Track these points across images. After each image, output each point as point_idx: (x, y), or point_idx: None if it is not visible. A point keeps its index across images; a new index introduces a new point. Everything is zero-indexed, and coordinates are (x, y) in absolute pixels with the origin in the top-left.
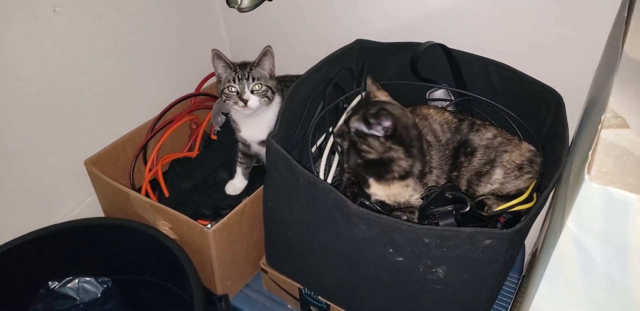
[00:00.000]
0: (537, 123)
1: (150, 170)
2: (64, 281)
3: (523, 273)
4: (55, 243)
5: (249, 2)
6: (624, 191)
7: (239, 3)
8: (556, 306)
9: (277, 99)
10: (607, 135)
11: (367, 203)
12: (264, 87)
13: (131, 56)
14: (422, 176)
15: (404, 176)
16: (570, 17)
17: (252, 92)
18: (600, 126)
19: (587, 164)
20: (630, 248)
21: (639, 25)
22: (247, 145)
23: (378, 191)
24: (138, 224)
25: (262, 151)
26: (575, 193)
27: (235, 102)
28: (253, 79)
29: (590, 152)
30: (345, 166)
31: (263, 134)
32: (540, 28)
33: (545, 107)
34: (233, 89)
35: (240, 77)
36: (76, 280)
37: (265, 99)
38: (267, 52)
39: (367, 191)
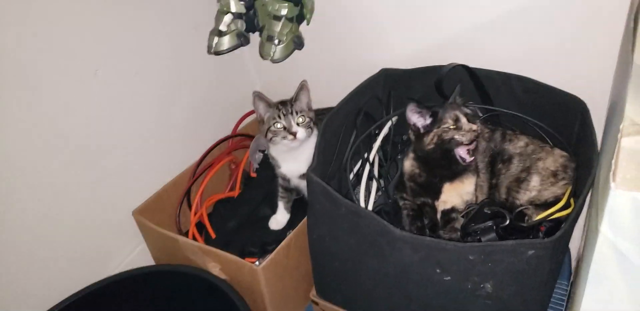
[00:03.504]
0: (565, 131)
1: (195, 213)
2: None
3: (572, 279)
4: (110, 294)
5: (280, 54)
6: None
7: (272, 55)
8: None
9: (315, 132)
10: (627, 143)
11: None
12: (307, 119)
13: (167, 106)
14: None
15: (474, 170)
16: (585, 26)
17: (297, 124)
18: (620, 134)
19: (611, 172)
20: None
21: None
22: (286, 180)
23: (450, 193)
24: (189, 267)
25: (301, 183)
26: (605, 200)
27: (284, 137)
28: (296, 113)
29: (613, 161)
30: (403, 196)
31: (303, 168)
32: (557, 39)
33: (572, 114)
34: (279, 125)
35: (284, 113)
36: None
37: (309, 129)
38: (303, 86)
39: (436, 203)
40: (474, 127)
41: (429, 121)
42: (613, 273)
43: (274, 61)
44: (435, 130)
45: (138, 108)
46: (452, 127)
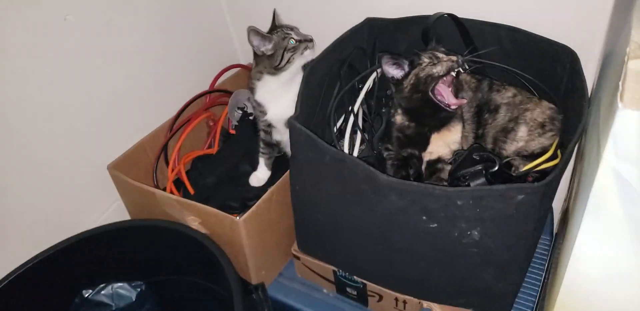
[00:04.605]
0: (553, 82)
1: (172, 170)
2: (97, 289)
3: (555, 232)
4: (85, 250)
5: None
6: None
7: None
8: (600, 243)
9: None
10: (634, 65)
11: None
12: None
13: (143, 59)
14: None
15: (460, 117)
16: None
17: None
18: (626, 57)
19: (618, 94)
20: None
21: None
22: (269, 133)
23: (437, 143)
24: (167, 222)
25: (285, 136)
26: (609, 124)
27: (305, 48)
28: (296, 28)
29: (620, 83)
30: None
31: (290, 111)
32: None
33: (560, 64)
34: (294, 40)
35: (289, 31)
36: (110, 287)
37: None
38: (277, 14)
39: (423, 154)
40: (453, 57)
41: (407, 69)
42: (612, 201)
43: None
44: (411, 74)
45: (111, 59)
46: (428, 62)
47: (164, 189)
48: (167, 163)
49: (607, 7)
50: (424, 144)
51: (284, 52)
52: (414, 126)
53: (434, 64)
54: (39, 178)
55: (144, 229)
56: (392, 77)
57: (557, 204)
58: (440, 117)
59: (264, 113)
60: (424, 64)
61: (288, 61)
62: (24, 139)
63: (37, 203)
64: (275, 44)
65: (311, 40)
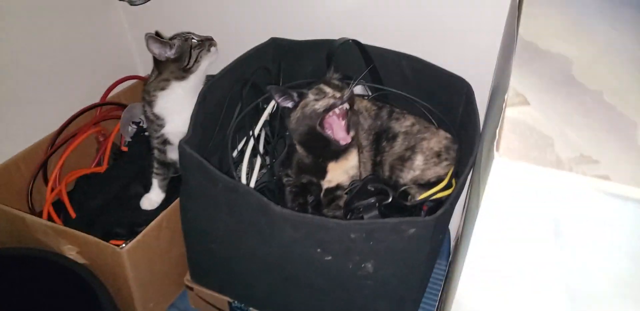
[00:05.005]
0: (450, 112)
1: (52, 190)
2: None
3: (450, 259)
4: None
5: None
6: (531, 164)
7: None
8: (479, 292)
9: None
10: (511, 113)
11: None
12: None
13: (25, 62)
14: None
15: (355, 144)
16: (472, 6)
17: None
18: (504, 104)
19: (495, 142)
20: (543, 217)
21: (530, 10)
22: (163, 151)
23: (335, 171)
24: (38, 250)
25: None
26: (487, 171)
27: (210, 45)
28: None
29: (497, 130)
30: (285, 172)
31: None
32: (446, 18)
33: (457, 96)
34: (196, 40)
35: (186, 34)
36: None
37: None
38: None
39: (321, 182)
40: (337, 94)
41: (297, 99)
42: (492, 248)
43: (132, 3)
44: (298, 107)
45: None
46: (313, 98)
47: (41, 213)
48: (45, 182)
49: (496, 44)
50: (322, 173)
51: (190, 51)
52: (311, 157)
53: (317, 100)
54: None
55: (11, 258)
56: (283, 107)
57: (454, 226)
58: (333, 150)
59: (162, 127)
60: (309, 99)
61: (196, 60)
62: None
63: None
64: (178, 46)
65: (212, 39)
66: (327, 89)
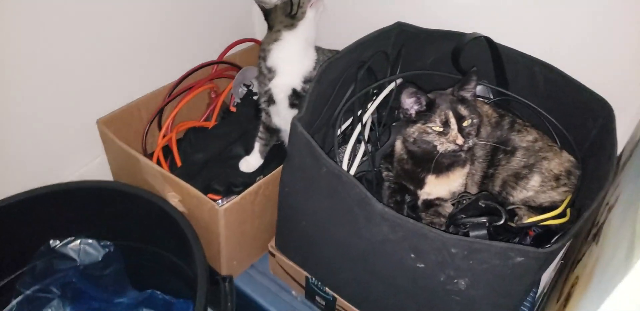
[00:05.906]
0: (579, 133)
1: (164, 136)
2: (65, 241)
3: (544, 291)
4: (60, 202)
5: None
6: None
7: None
8: None
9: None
10: None
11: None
12: None
13: (150, 18)
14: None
15: (465, 160)
16: (631, 19)
17: None
18: None
19: None
20: None
21: None
22: (269, 114)
23: (434, 185)
24: (147, 193)
25: (283, 124)
26: None
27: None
28: None
29: None
30: (387, 173)
31: (297, 81)
32: (597, 30)
33: (592, 117)
34: None
35: None
36: (78, 241)
37: None
38: None
39: (418, 192)
40: (460, 141)
41: (423, 108)
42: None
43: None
44: (419, 125)
45: (115, 15)
46: (436, 130)
47: (152, 154)
48: (159, 128)
49: None
50: (420, 183)
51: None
52: (412, 163)
53: (439, 134)
54: (27, 121)
55: (123, 194)
56: (406, 109)
57: None
58: (439, 163)
59: (270, 80)
60: (432, 126)
61: (299, 5)
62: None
63: (21, 145)
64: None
65: None
66: (453, 126)
